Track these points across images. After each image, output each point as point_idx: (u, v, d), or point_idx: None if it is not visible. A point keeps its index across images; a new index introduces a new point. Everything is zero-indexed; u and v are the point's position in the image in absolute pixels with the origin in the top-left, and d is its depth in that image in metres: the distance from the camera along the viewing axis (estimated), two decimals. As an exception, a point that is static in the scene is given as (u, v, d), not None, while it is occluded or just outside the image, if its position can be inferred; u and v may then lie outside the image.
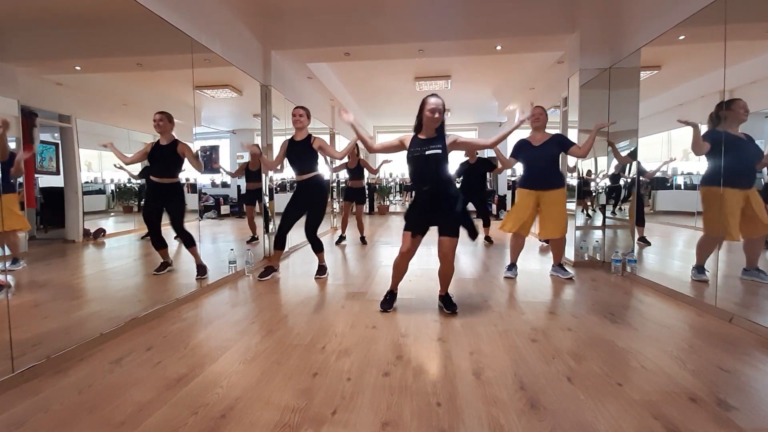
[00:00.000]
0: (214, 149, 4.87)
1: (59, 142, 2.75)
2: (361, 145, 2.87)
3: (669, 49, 3.16)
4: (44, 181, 2.69)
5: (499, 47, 4.25)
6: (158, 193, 3.02)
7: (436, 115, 2.23)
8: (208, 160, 4.81)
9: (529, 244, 5.08)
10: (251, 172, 4.65)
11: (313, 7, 4.06)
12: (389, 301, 2.51)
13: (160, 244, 3.09)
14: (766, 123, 3.00)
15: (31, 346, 1.81)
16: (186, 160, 3.03)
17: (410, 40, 4.10)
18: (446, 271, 2.40)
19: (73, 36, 2.54)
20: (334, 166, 5.12)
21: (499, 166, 4.26)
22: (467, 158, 5.02)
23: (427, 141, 2.28)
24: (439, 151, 2.25)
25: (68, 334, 1.96)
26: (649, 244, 3.83)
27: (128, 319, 2.17)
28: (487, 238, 5.10)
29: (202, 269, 3.12)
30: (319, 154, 3.18)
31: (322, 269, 3.40)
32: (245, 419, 1.33)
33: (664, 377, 1.58)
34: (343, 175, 5.76)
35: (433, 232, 2.35)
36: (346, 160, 4.92)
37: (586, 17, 3.71)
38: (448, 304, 2.42)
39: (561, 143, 3.06)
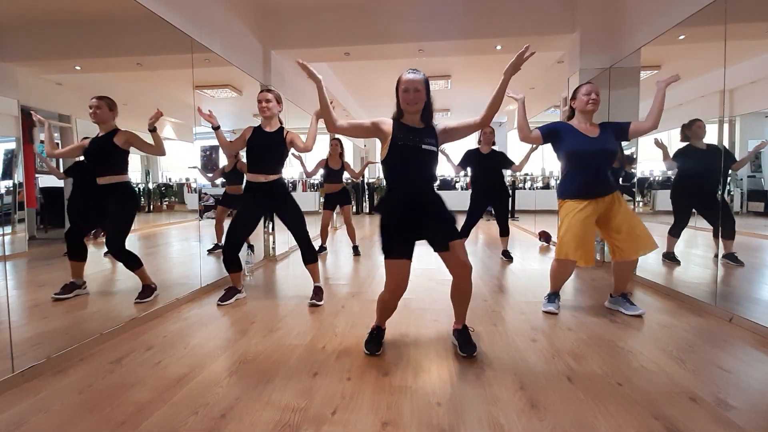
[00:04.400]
0: (214, 149, 4.87)
1: (59, 142, 2.74)
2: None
3: (669, 48, 3.16)
4: (44, 181, 2.69)
5: (499, 47, 4.25)
6: (100, 196, 2.47)
7: (411, 94, 1.68)
8: (208, 161, 4.80)
9: (528, 244, 5.08)
10: (227, 173, 4.13)
11: (312, 6, 4.06)
12: (376, 338, 1.86)
13: (80, 254, 2.48)
14: (766, 123, 3.00)
15: (31, 346, 1.82)
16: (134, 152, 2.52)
17: (410, 40, 4.11)
18: (464, 288, 1.77)
19: (73, 36, 2.54)
20: (310, 170, 4.29)
21: (517, 163, 3.83)
22: (478, 146, 3.93)
23: (420, 131, 1.73)
24: (433, 148, 1.73)
25: (68, 334, 1.96)
26: (740, 263, 2.87)
27: (128, 319, 2.18)
28: (506, 253, 4.03)
29: (147, 290, 2.55)
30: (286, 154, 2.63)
31: (317, 292, 2.64)
32: (245, 419, 1.33)
33: (664, 377, 1.58)
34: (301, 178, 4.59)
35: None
36: (312, 147, 3.66)
37: (585, 17, 3.71)
38: (465, 344, 1.78)
39: (618, 130, 2.30)
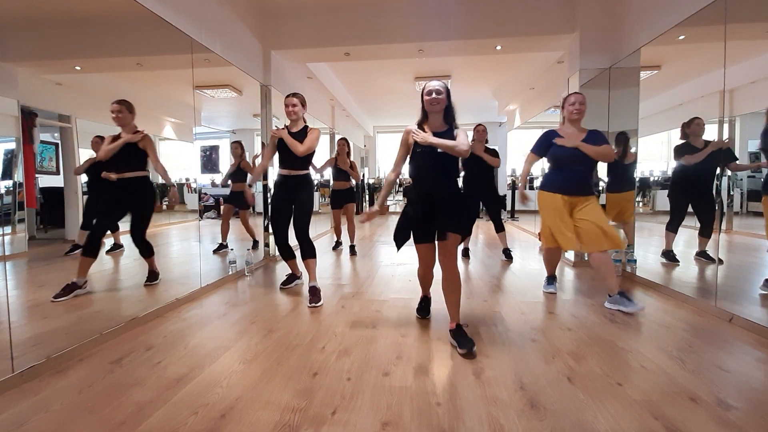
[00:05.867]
0: (214, 149, 4.87)
1: (59, 142, 2.74)
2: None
3: (669, 49, 3.16)
4: (44, 181, 2.69)
5: (499, 47, 4.25)
6: (121, 190, 2.65)
7: (433, 96, 1.92)
8: (208, 161, 4.80)
9: (528, 244, 5.08)
10: (233, 173, 4.19)
11: (312, 7, 4.06)
12: (425, 307, 2.32)
13: (95, 251, 2.56)
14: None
15: (31, 346, 1.81)
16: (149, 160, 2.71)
17: (410, 40, 4.10)
18: (452, 283, 1.96)
19: (73, 36, 2.54)
20: (318, 167, 4.36)
21: (497, 160, 3.91)
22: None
23: (439, 136, 1.94)
24: None
25: (68, 334, 1.96)
26: (715, 261, 2.74)
27: (128, 319, 2.17)
28: (506, 252, 4.02)
29: (153, 275, 2.86)
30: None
31: (314, 292, 2.63)
32: (245, 419, 1.33)
33: (664, 377, 1.58)
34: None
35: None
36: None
37: (586, 17, 3.71)
38: (462, 341, 1.82)
39: (599, 142, 2.48)
